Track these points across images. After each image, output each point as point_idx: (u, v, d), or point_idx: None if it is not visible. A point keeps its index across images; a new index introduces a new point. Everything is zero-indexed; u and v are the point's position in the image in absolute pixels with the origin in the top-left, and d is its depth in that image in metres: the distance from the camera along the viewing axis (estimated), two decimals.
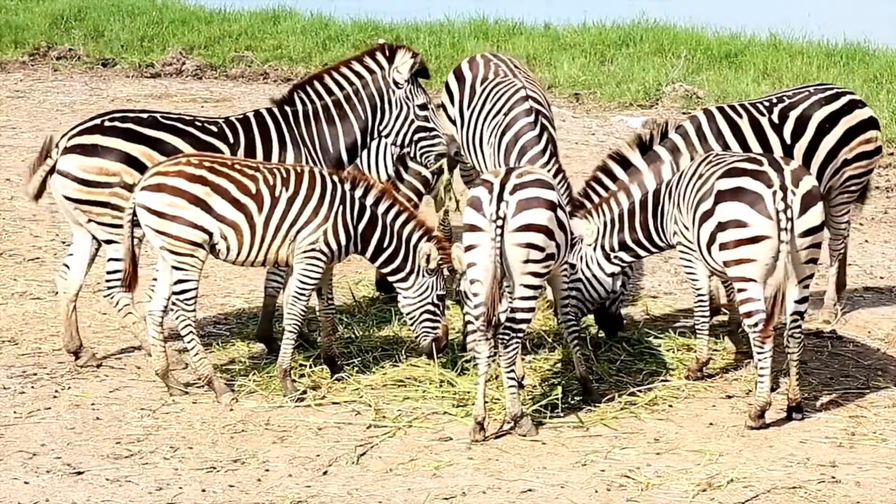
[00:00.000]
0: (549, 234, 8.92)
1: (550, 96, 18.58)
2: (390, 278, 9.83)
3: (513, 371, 8.95)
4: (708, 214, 9.20)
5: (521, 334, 8.99)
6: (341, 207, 9.50)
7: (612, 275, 10.17)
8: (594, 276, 10.13)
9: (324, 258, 9.51)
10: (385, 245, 9.66)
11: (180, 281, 9.31)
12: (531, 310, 9.00)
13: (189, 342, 9.41)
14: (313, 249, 9.45)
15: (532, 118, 10.93)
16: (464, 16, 22.42)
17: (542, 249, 8.91)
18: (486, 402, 8.94)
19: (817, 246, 9.12)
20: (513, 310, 8.91)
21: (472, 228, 8.92)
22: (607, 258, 10.12)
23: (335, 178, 9.58)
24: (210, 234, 9.31)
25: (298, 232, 9.43)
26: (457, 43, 20.96)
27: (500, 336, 8.89)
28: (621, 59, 20.41)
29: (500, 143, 11.01)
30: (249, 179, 9.38)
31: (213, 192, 9.28)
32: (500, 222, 8.77)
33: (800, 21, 21.32)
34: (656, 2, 22.75)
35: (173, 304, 9.37)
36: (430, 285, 9.76)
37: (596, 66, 20.21)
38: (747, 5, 25.52)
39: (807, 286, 9.16)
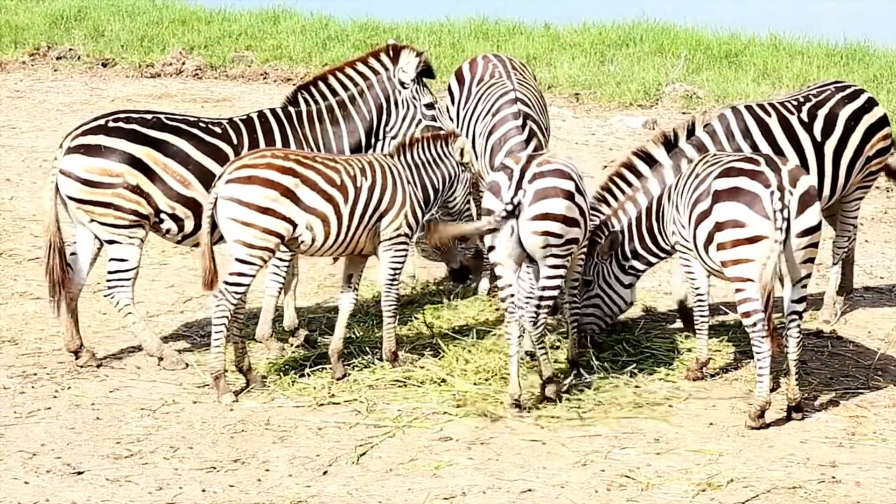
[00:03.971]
0: (566, 221, 9.15)
1: (550, 96, 18.65)
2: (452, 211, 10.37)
3: (543, 343, 9.32)
4: (705, 214, 9.20)
5: (546, 312, 9.27)
6: (410, 188, 9.81)
7: (630, 286, 10.22)
8: (612, 288, 10.20)
9: (408, 240, 9.81)
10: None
11: (241, 274, 9.33)
12: (556, 288, 9.27)
13: (216, 333, 9.39)
14: (398, 235, 9.72)
15: (520, 122, 10.94)
16: (464, 16, 22.44)
17: (559, 236, 9.14)
18: (519, 380, 9.24)
19: (815, 246, 9.12)
20: (540, 288, 9.24)
21: (490, 214, 9.14)
22: (622, 269, 10.17)
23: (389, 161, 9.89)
24: (295, 226, 9.38)
25: (380, 219, 9.64)
26: (457, 43, 20.98)
27: (528, 315, 9.22)
28: (621, 59, 20.43)
29: (487, 143, 11.05)
30: (332, 171, 9.53)
31: (302, 183, 9.37)
32: (510, 208, 9.04)
33: (800, 21, 21.36)
34: (656, 2, 22.77)
35: (220, 291, 9.36)
36: (467, 177, 10.20)
37: (596, 66, 20.23)
38: (747, 5, 25.55)
39: (805, 286, 9.16)
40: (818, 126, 10.79)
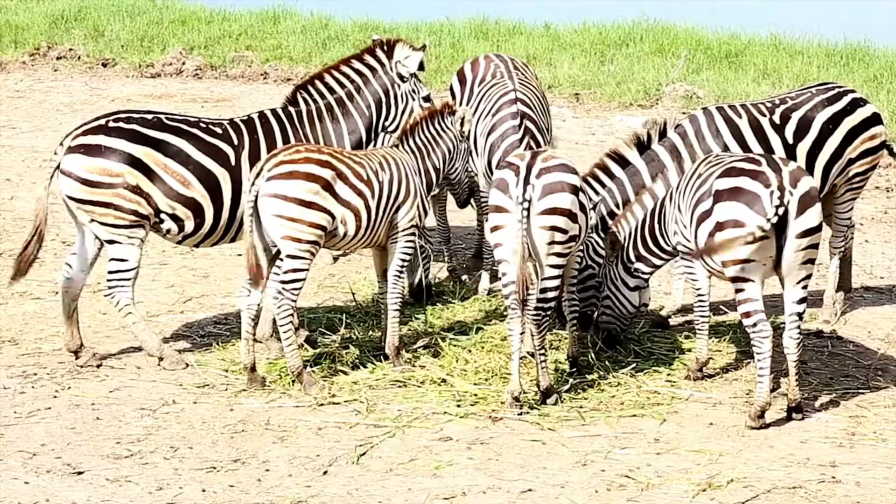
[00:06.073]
0: (572, 217, 9.25)
1: (550, 96, 18.64)
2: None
3: (544, 348, 9.33)
4: (706, 214, 9.21)
5: (549, 312, 9.32)
6: (417, 178, 9.93)
7: (637, 288, 10.25)
8: (619, 291, 10.24)
9: (417, 230, 9.93)
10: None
11: (296, 270, 9.38)
12: (557, 288, 9.34)
13: (285, 331, 9.44)
14: (412, 226, 9.86)
15: (517, 121, 10.97)
16: (464, 16, 22.44)
17: (565, 232, 9.24)
18: (520, 378, 9.26)
19: (815, 247, 9.12)
20: (541, 290, 9.29)
21: (499, 210, 9.24)
22: (628, 272, 10.21)
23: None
24: (333, 218, 9.46)
25: (397, 211, 9.75)
26: (457, 43, 20.98)
27: (532, 317, 9.26)
28: (621, 59, 20.42)
29: (487, 142, 11.08)
30: (359, 166, 9.64)
31: (337, 177, 9.49)
32: (526, 205, 9.09)
33: (800, 21, 21.35)
34: (656, 2, 22.76)
35: (279, 292, 9.40)
36: (465, 147, 10.32)
37: (596, 66, 20.23)
38: (747, 5, 25.55)
39: (805, 287, 9.16)
40: (790, 128, 10.80)
